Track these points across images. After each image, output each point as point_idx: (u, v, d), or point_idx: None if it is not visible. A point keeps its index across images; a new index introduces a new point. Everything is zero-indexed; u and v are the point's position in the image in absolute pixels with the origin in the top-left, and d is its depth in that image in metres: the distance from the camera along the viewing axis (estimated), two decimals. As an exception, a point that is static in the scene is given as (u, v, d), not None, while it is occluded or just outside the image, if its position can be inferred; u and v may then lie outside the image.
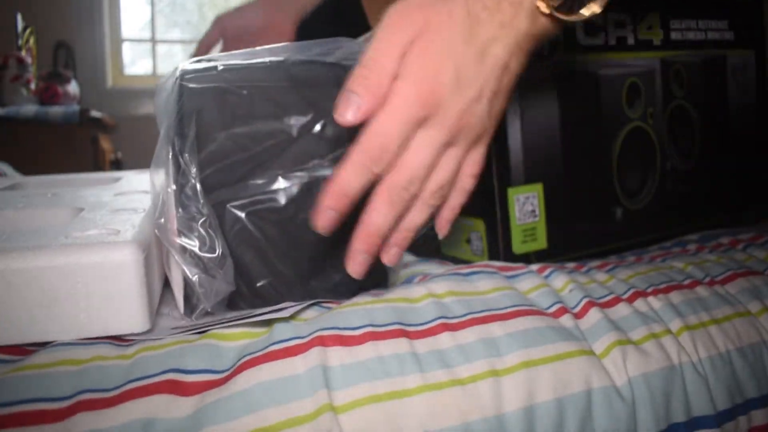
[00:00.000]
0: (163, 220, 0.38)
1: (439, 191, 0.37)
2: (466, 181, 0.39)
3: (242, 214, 0.41)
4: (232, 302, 0.42)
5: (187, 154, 0.39)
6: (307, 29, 0.80)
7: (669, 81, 0.63)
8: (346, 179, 0.34)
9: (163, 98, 0.42)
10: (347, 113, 0.33)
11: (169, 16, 2.76)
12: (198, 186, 0.39)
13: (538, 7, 0.35)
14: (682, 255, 0.57)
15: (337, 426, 0.32)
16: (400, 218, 0.37)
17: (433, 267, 0.52)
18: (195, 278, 0.38)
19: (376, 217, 0.35)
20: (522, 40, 0.36)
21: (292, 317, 0.38)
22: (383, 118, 0.34)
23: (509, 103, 0.40)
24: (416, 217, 0.38)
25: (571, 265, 0.52)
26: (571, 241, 0.57)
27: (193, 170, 0.39)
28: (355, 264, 0.37)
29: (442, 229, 0.41)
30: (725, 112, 0.69)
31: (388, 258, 0.39)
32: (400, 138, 0.34)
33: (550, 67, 0.55)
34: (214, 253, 0.39)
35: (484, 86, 0.35)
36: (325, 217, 0.35)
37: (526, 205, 0.54)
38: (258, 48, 0.45)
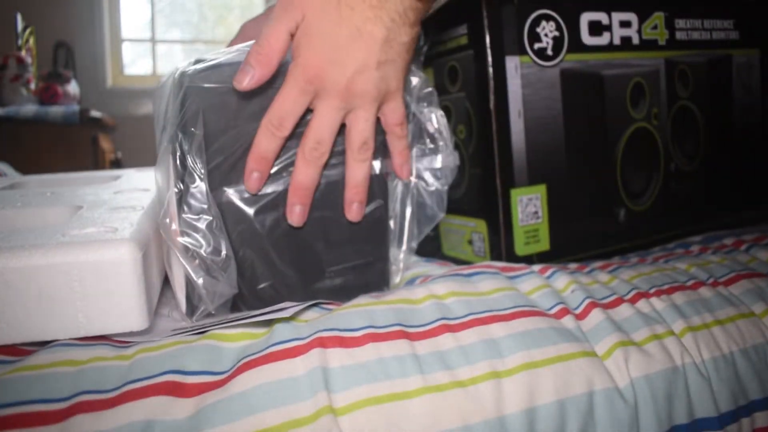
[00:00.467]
0: (168, 220, 0.38)
1: (363, 146, 0.43)
2: (395, 129, 0.46)
3: (249, 212, 0.41)
4: (232, 303, 0.42)
5: (193, 154, 0.39)
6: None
7: (674, 81, 0.63)
8: (261, 144, 0.41)
9: (162, 99, 0.42)
10: (243, 81, 0.40)
11: (169, 16, 2.76)
12: (204, 186, 0.39)
13: None
14: (685, 256, 0.57)
15: (337, 428, 0.32)
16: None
17: (434, 268, 0.52)
18: (200, 281, 0.38)
19: (297, 174, 0.42)
20: (401, 14, 0.42)
21: (292, 318, 0.37)
22: (281, 93, 0.41)
23: (410, 63, 0.46)
24: (354, 172, 0.44)
25: (573, 265, 0.52)
26: (574, 243, 0.57)
27: (200, 170, 0.39)
28: (293, 214, 0.43)
29: (402, 173, 0.47)
30: (730, 112, 0.68)
31: (350, 214, 0.45)
32: (296, 108, 0.41)
33: (554, 67, 0.55)
34: (219, 254, 0.39)
35: (367, 58, 0.41)
36: (253, 181, 0.42)
37: (528, 206, 0.54)
38: None
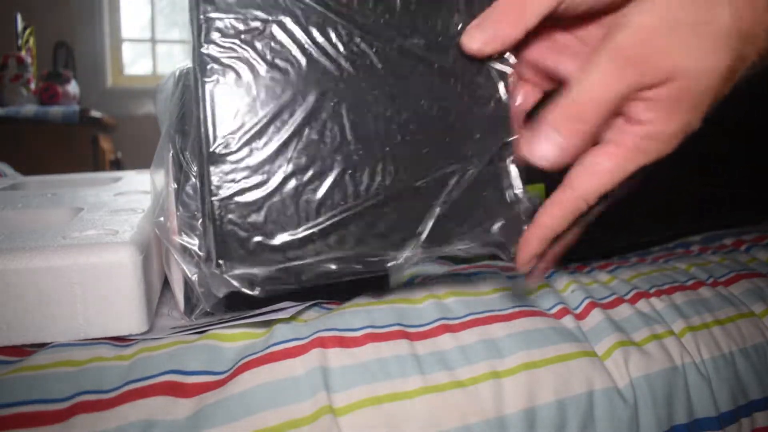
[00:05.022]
0: (162, 218, 0.38)
1: None
2: None
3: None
4: (231, 302, 0.42)
5: (188, 153, 0.39)
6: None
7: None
8: None
9: (163, 99, 0.42)
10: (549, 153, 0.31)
11: (169, 16, 2.76)
12: (198, 185, 0.39)
13: None
14: (685, 256, 0.57)
15: (337, 428, 0.32)
16: None
17: (434, 267, 0.52)
18: (195, 277, 0.38)
19: None
20: None
21: (292, 318, 0.37)
22: None
23: None
24: None
25: (573, 265, 0.52)
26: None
27: (194, 169, 0.39)
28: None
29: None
30: (727, 111, 0.68)
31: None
32: None
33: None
34: None
35: None
36: None
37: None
38: None
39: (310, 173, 0.31)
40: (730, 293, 0.48)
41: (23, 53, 1.99)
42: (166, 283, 0.44)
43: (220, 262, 0.30)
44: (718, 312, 0.45)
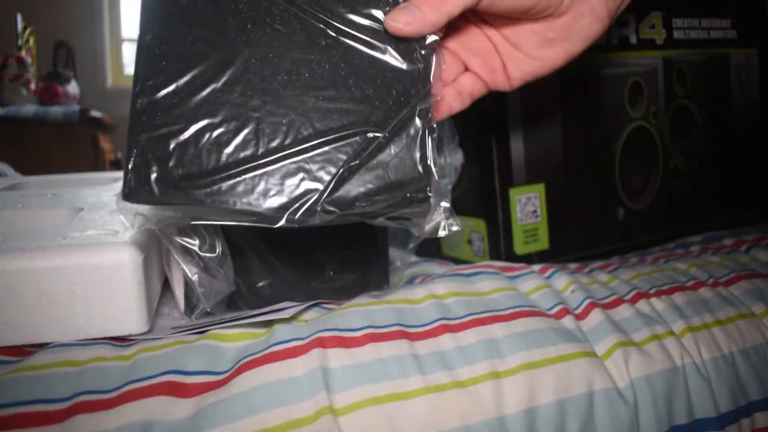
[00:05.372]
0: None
1: None
2: None
3: None
4: (231, 302, 0.42)
5: None
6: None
7: (672, 80, 0.63)
8: None
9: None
10: (400, 21, 0.34)
11: (169, 16, 2.76)
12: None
13: None
14: (685, 256, 0.57)
15: (337, 428, 0.32)
16: None
17: (434, 267, 0.52)
18: (195, 277, 0.38)
19: None
20: None
21: (292, 318, 0.37)
22: None
23: None
24: None
25: (573, 265, 0.52)
26: (573, 242, 0.57)
27: None
28: None
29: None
30: (728, 111, 0.68)
31: None
32: None
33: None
34: (215, 252, 0.39)
35: None
36: None
37: (527, 205, 0.54)
38: None
39: (224, 125, 0.33)
40: (730, 294, 0.48)
41: (23, 53, 2.00)
42: (166, 283, 0.44)
43: (126, 192, 0.31)
44: (718, 312, 0.45)
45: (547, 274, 0.47)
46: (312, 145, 0.33)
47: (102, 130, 2.04)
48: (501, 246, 0.53)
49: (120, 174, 0.71)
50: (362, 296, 0.41)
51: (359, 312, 0.38)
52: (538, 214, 0.55)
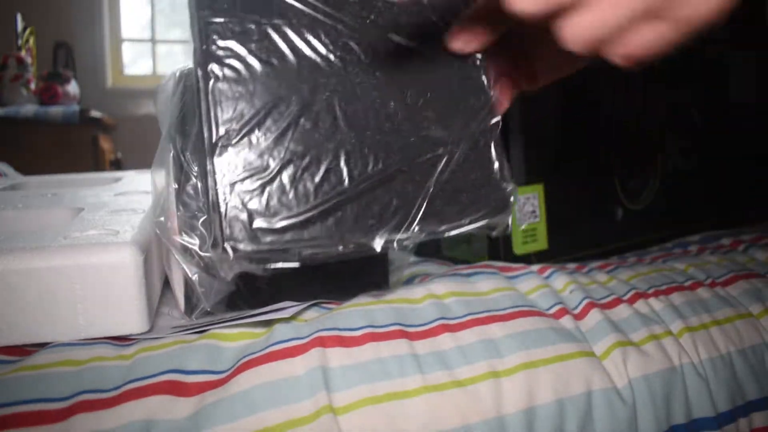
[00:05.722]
0: (163, 218, 0.38)
1: None
2: None
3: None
4: (231, 302, 0.42)
5: (188, 153, 0.39)
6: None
7: (671, 80, 0.63)
8: None
9: (164, 99, 0.42)
10: None
11: (169, 16, 2.76)
12: (199, 184, 0.39)
13: None
14: (683, 256, 0.57)
15: (337, 427, 0.32)
16: None
17: (433, 267, 0.52)
18: (195, 277, 0.38)
19: None
20: None
21: (292, 318, 0.37)
22: None
23: None
24: None
25: (572, 265, 0.52)
26: (572, 242, 0.57)
27: (195, 169, 0.39)
28: None
29: None
30: (726, 111, 0.69)
31: None
32: None
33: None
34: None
35: None
36: None
37: (526, 205, 0.54)
38: None
39: (306, 160, 0.33)
40: (727, 294, 0.48)
41: (23, 53, 1.99)
42: (166, 283, 0.44)
43: (227, 245, 0.31)
44: (716, 313, 0.45)
45: (545, 274, 0.47)
46: (398, 169, 0.34)
47: (102, 130, 2.03)
48: (500, 246, 0.54)
49: (120, 174, 0.71)
50: (362, 296, 0.41)
51: (359, 312, 0.38)
52: (536, 214, 0.55)
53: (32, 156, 1.71)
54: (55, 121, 1.84)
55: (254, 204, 0.32)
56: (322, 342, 0.35)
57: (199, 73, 0.33)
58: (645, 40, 0.27)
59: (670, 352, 0.41)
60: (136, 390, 0.31)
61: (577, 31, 0.26)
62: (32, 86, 1.99)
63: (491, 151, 0.37)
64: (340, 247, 0.33)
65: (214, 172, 0.32)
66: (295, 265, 0.33)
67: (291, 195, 0.33)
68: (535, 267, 0.48)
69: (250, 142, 0.33)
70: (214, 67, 0.33)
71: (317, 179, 0.33)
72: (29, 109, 1.86)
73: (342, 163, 0.34)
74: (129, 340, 0.36)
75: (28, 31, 2.05)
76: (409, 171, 0.35)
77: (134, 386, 0.31)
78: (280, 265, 0.33)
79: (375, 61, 0.35)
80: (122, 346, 0.35)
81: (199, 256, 0.38)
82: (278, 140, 0.33)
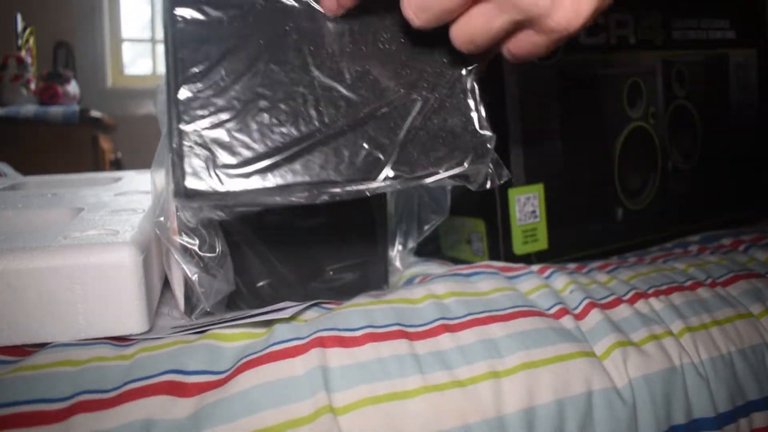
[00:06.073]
0: (163, 218, 0.38)
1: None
2: None
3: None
4: (231, 302, 0.42)
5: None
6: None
7: (670, 80, 0.63)
8: None
9: (164, 99, 0.42)
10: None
11: (169, 16, 2.76)
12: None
13: None
14: (683, 256, 0.57)
15: (337, 427, 0.32)
16: None
17: (433, 267, 0.52)
18: (195, 277, 0.38)
19: None
20: None
21: (292, 318, 0.37)
22: None
23: None
24: None
25: (572, 265, 0.52)
26: (572, 242, 0.57)
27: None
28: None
29: None
30: (727, 111, 0.69)
31: None
32: None
33: (551, 67, 0.55)
34: (214, 252, 0.39)
35: None
36: None
37: (526, 205, 0.54)
38: None
39: (273, 102, 0.32)
40: (728, 294, 0.48)
41: (23, 53, 2.00)
42: (166, 283, 0.44)
43: (188, 187, 0.30)
44: (716, 313, 0.45)
45: (546, 274, 0.47)
46: (369, 114, 0.33)
47: (102, 130, 2.04)
48: (500, 246, 0.54)
49: (120, 174, 0.71)
50: (362, 296, 0.41)
51: (359, 312, 0.38)
52: (537, 214, 0.55)
53: (32, 156, 1.71)
54: (55, 121, 1.84)
55: (217, 145, 0.31)
56: (322, 342, 0.35)
57: (167, 16, 0.32)
58: (521, 43, 0.31)
59: (671, 352, 0.41)
60: (136, 390, 0.31)
61: (455, 34, 0.31)
62: (32, 86, 1.99)
63: (468, 98, 0.35)
64: (307, 193, 0.32)
65: (178, 114, 0.31)
66: (258, 209, 0.32)
67: (256, 137, 0.31)
68: (535, 267, 0.48)
69: (215, 83, 0.31)
70: (180, 10, 0.32)
71: (284, 122, 0.32)
72: (29, 109, 1.87)
73: (310, 107, 0.32)
74: (129, 340, 0.36)
75: (28, 31, 2.05)
76: (382, 116, 0.33)
77: (134, 386, 0.31)
78: (243, 209, 0.32)
79: (353, 13, 0.34)
80: (122, 346, 0.35)
81: (199, 257, 0.38)
82: (244, 81, 0.32)
